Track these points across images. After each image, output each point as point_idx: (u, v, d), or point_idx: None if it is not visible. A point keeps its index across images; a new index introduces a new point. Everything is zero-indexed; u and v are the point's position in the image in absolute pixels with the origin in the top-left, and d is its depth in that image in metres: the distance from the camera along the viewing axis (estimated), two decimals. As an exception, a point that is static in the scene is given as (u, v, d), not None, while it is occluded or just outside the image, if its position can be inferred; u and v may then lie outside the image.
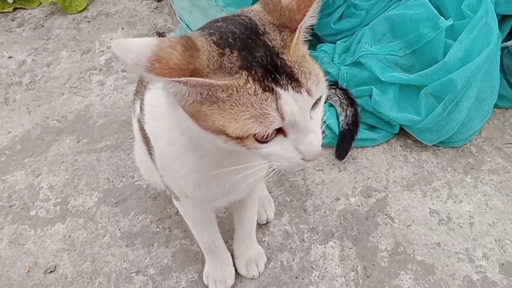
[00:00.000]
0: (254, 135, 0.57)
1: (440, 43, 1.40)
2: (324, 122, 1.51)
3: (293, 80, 0.57)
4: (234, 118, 0.56)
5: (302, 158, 0.61)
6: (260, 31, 0.59)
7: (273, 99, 0.56)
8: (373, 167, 1.42)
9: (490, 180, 1.36)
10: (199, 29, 0.62)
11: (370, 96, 1.45)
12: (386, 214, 1.29)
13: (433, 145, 1.46)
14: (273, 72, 0.56)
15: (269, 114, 0.56)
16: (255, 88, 0.56)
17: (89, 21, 2.07)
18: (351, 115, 1.42)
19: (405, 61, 1.49)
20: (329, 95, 1.48)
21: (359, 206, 1.32)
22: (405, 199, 1.33)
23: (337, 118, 1.45)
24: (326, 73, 1.62)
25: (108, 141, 1.53)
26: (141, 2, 2.17)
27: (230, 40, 0.57)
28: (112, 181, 1.41)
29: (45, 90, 1.73)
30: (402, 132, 1.49)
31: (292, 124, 0.58)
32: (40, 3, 2.15)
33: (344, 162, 1.44)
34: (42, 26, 2.05)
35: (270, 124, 0.56)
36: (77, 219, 1.31)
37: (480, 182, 1.36)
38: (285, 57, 0.58)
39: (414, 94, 1.43)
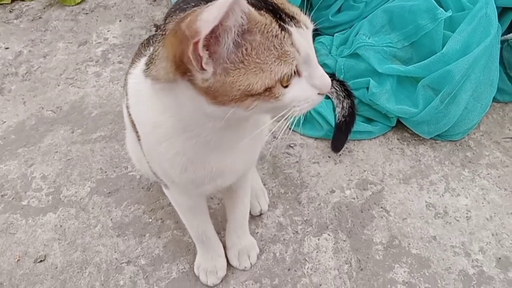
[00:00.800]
0: (282, 79, 0.59)
1: (439, 34, 1.38)
2: (319, 114, 1.49)
3: (291, 18, 0.61)
4: (261, 68, 0.58)
5: (318, 93, 0.65)
6: None
7: (287, 36, 0.59)
8: (369, 160, 1.40)
9: (488, 174, 1.34)
10: None
11: (367, 88, 1.43)
12: (381, 207, 1.28)
13: (431, 138, 1.44)
14: (277, 12, 0.60)
15: (289, 51, 0.59)
16: (276, 27, 0.58)
17: (87, 13, 2.06)
18: (347, 107, 1.40)
19: (403, 54, 1.47)
20: (326, 87, 1.46)
21: (354, 198, 1.30)
22: (401, 192, 1.31)
23: (334, 110, 1.43)
24: (324, 65, 1.61)
25: (103, 131, 1.51)
26: (140, -6, 2.15)
27: None
28: (105, 172, 1.40)
29: (41, 81, 1.72)
30: (399, 125, 1.48)
31: (305, 59, 0.61)
32: (38, -5, 2.14)
33: (340, 155, 1.42)
34: (40, 17, 2.04)
35: (292, 61, 0.59)
36: (69, 209, 1.30)
37: (478, 176, 1.34)
38: (274, 0, 0.61)
39: (412, 86, 1.41)
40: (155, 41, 0.68)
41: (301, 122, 1.44)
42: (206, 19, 0.52)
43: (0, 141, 1.50)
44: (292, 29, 0.60)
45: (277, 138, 1.48)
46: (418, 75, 1.38)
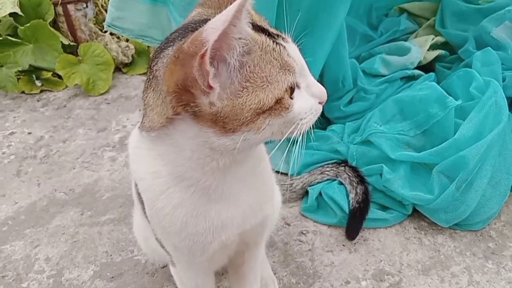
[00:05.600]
0: (289, 89, 0.62)
1: (450, 122, 1.39)
2: (333, 200, 1.47)
3: (277, 36, 0.64)
4: (268, 81, 0.60)
5: (319, 102, 0.67)
6: None
7: (283, 49, 0.62)
8: (385, 249, 1.34)
9: (514, 266, 1.25)
10: None
11: (381, 175, 1.41)
12: (400, 300, 1.18)
13: (450, 227, 1.38)
14: (266, 31, 0.63)
15: (288, 61, 0.62)
16: (271, 43, 0.61)
17: (108, 103, 2.16)
18: (361, 193, 1.37)
19: (416, 141, 1.47)
20: (338, 172, 1.46)
21: (370, 290, 1.22)
22: (421, 284, 1.22)
23: (347, 196, 1.40)
24: (335, 151, 1.62)
25: (112, 214, 1.50)
26: (161, 87, 2.27)
27: None
28: (111, 255, 1.35)
29: (58, 164, 1.76)
30: (416, 214, 1.43)
31: (301, 71, 0.64)
32: (66, 86, 2.28)
33: (355, 243, 1.36)
34: (65, 106, 2.15)
35: (294, 70, 0.62)
36: (69, 293, 1.24)
37: (503, 269, 1.25)
38: (258, 24, 0.65)
39: (426, 173, 1.39)
40: (143, 92, 0.69)
41: (315, 208, 1.43)
42: (212, 27, 0.53)
43: (9, 221, 1.49)
44: (284, 43, 0.63)
45: (289, 225, 1.44)
46: (431, 162, 1.37)
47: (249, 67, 0.59)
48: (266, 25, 0.66)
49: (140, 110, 2.08)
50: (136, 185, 0.85)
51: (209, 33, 0.53)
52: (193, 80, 0.56)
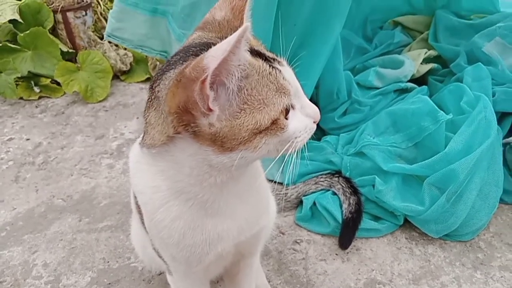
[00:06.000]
0: (284, 111, 0.65)
1: (441, 136, 1.43)
2: (326, 209, 1.50)
3: (273, 59, 0.67)
4: (264, 103, 0.63)
5: (314, 122, 0.71)
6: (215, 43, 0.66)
7: (278, 72, 0.65)
8: (377, 259, 1.37)
9: (502, 277, 1.29)
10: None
11: (373, 186, 1.45)
12: (391, 309, 1.21)
13: (440, 238, 1.41)
14: (262, 55, 0.66)
15: (284, 84, 0.65)
16: (267, 67, 0.64)
17: (106, 110, 2.19)
18: (354, 203, 1.40)
19: (408, 153, 1.51)
20: (332, 183, 1.49)
21: (362, 299, 1.24)
22: (412, 294, 1.25)
23: (340, 206, 1.43)
24: (329, 162, 1.65)
25: (109, 221, 1.52)
26: (158, 95, 2.30)
27: None
28: (108, 262, 1.37)
29: (56, 170, 1.78)
30: (407, 224, 1.46)
31: (295, 93, 0.67)
32: (64, 93, 2.30)
33: (347, 253, 1.39)
34: (63, 113, 2.17)
35: (289, 92, 0.66)
36: (67, 299, 1.26)
37: (491, 279, 1.28)
38: (255, 48, 0.67)
39: (417, 184, 1.43)
40: (145, 110, 0.72)
41: (309, 217, 1.46)
42: (213, 55, 0.56)
43: (7, 227, 1.51)
44: (279, 67, 0.66)
45: (284, 234, 1.47)
46: (422, 174, 1.40)
47: (246, 90, 0.62)
48: (263, 50, 0.69)
49: (137, 118, 2.11)
50: (135, 196, 0.87)
51: (209, 61, 0.56)
52: (194, 103, 0.59)
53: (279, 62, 0.69)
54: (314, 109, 0.71)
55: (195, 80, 0.57)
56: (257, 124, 0.63)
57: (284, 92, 0.65)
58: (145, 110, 0.71)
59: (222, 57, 0.56)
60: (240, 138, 0.63)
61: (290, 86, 0.66)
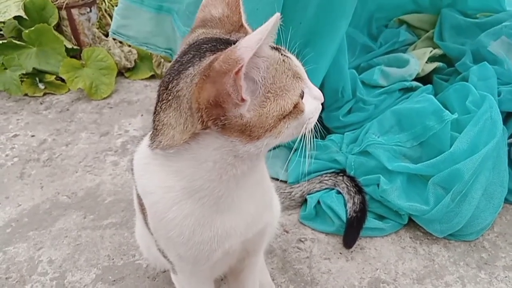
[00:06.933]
0: (301, 94, 0.69)
1: (446, 135, 1.43)
2: (331, 208, 1.50)
3: (279, 49, 0.69)
4: (286, 89, 0.67)
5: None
6: (224, 38, 0.72)
7: (290, 60, 0.69)
8: (381, 258, 1.37)
9: (506, 277, 1.29)
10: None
11: (378, 185, 1.45)
12: (395, 308, 1.22)
13: (444, 238, 1.41)
14: (271, 46, 0.68)
15: (296, 70, 0.69)
16: (280, 56, 0.67)
17: (111, 107, 2.19)
18: (358, 202, 1.40)
19: (413, 153, 1.51)
20: (337, 182, 1.49)
21: (366, 298, 1.25)
22: (416, 293, 1.26)
23: (345, 205, 1.44)
24: (334, 161, 1.65)
25: (114, 218, 1.52)
26: (162, 92, 2.30)
27: None
28: (113, 259, 1.38)
29: (61, 167, 1.78)
30: (412, 224, 1.46)
31: (304, 78, 0.71)
32: (69, 90, 2.30)
33: (351, 252, 1.39)
34: (67, 110, 2.18)
35: (304, 76, 0.70)
36: (72, 295, 1.27)
37: (495, 279, 1.28)
38: None
39: (422, 184, 1.43)
40: (157, 113, 0.72)
41: (313, 216, 1.46)
42: (246, 46, 0.58)
43: (13, 223, 1.52)
44: (287, 54, 0.70)
45: (288, 232, 1.47)
46: (427, 173, 1.40)
47: (269, 79, 0.65)
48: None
49: (142, 115, 2.11)
50: (139, 198, 0.87)
51: (243, 52, 0.58)
52: (225, 95, 0.60)
53: (283, 50, 0.71)
54: (318, 91, 0.75)
55: (226, 72, 0.58)
56: (281, 110, 0.66)
57: (299, 77, 0.69)
58: (158, 113, 0.71)
59: (256, 48, 0.58)
60: (267, 126, 0.66)
61: (302, 71, 0.70)
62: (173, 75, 0.68)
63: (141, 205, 0.87)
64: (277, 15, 0.58)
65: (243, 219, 0.82)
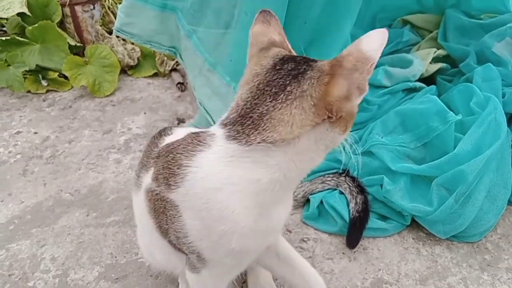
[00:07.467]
0: None
1: (450, 136, 1.43)
2: (333, 208, 1.50)
3: None
4: (357, 81, 0.73)
5: None
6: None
7: None
8: (384, 259, 1.37)
9: (509, 278, 1.29)
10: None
11: (381, 186, 1.45)
12: (398, 309, 1.22)
13: (447, 239, 1.41)
14: None
15: None
16: None
17: (114, 105, 2.19)
18: (361, 202, 1.40)
19: (417, 154, 1.51)
20: (339, 182, 1.49)
21: (369, 298, 1.25)
22: (418, 294, 1.26)
23: (347, 205, 1.43)
24: (337, 161, 1.65)
25: (117, 216, 1.53)
26: (165, 91, 2.30)
27: None
28: (116, 257, 1.38)
29: (63, 164, 1.78)
30: (414, 224, 1.46)
31: None
32: (72, 87, 2.30)
33: (354, 252, 1.39)
34: (70, 107, 2.18)
35: None
36: (75, 293, 1.27)
37: (498, 281, 1.28)
38: None
39: (426, 185, 1.43)
40: (263, 113, 0.75)
41: (316, 216, 1.46)
42: (374, 49, 0.71)
43: (16, 220, 1.52)
44: None
45: (291, 232, 1.47)
46: (431, 175, 1.40)
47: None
48: None
49: (145, 113, 2.11)
50: (153, 196, 0.86)
51: (373, 54, 0.71)
52: (354, 89, 0.72)
53: None
54: None
55: (357, 69, 0.71)
56: (360, 99, 0.75)
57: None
58: (266, 113, 0.74)
59: (381, 50, 0.71)
60: (354, 115, 0.76)
61: None
62: (291, 79, 0.75)
63: (156, 209, 0.87)
64: (385, 31, 0.73)
65: (287, 208, 0.91)
